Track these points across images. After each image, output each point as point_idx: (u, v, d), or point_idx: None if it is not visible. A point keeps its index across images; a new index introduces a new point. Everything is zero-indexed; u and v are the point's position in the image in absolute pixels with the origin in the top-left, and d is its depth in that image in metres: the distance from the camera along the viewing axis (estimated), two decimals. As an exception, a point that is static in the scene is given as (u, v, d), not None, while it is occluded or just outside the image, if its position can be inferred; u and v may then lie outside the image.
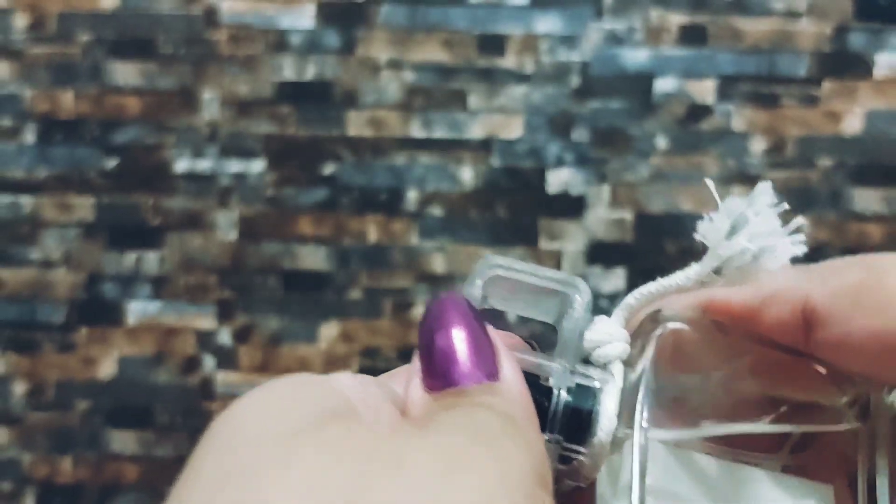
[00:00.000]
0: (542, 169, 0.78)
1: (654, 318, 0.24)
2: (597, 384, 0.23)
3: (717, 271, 0.23)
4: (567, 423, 0.22)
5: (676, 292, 0.24)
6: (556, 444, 0.23)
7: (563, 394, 0.23)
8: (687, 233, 0.77)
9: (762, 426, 0.25)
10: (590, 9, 0.77)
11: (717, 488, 0.24)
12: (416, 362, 0.21)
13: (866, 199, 0.77)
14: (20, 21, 0.78)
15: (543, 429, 0.22)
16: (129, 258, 0.79)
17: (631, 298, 0.24)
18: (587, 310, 0.23)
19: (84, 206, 0.79)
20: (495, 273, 0.23)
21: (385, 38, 0.78)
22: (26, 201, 0.79)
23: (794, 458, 0.25)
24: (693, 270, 0.24)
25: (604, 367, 0.24)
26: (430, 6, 0.78)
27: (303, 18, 0.78)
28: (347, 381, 0.21)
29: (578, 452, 0.23)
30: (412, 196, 0.78)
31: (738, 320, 0.24)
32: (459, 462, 0.17)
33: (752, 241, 0.22)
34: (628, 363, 0.24)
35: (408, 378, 0.21)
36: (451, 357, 0.20)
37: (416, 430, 0.19)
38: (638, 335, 0.24)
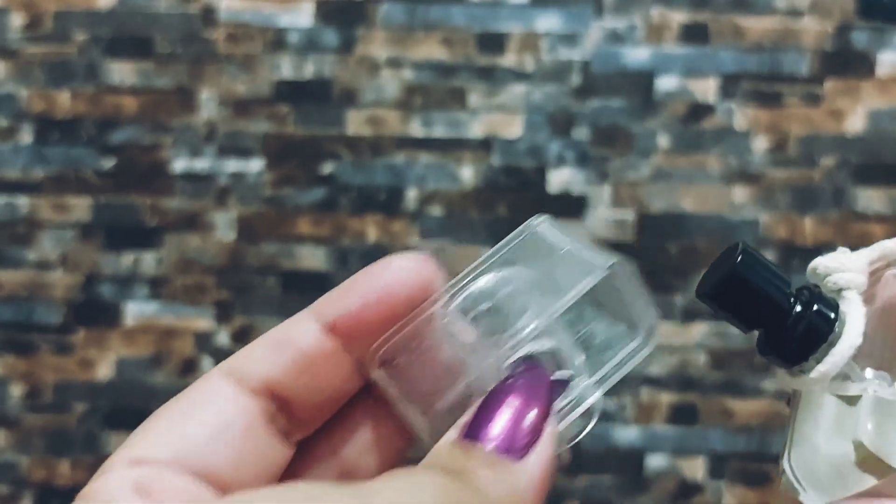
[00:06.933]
0: (543, 168, 0.77)
1: (892, 262, 0.24)
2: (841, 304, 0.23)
3: None
4: (807, 332, 0.23)
5: None
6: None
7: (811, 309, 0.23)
8: (689, 232, 0.76)
9: None
10: (590, 7, 0.77)
11: None
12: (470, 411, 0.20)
13: (869, 199, 0.76)
14: (16, 20, 0.78)
15: (784, 341, 0.22)
16: (127, 259, 0.79)
17: (890, 242, 0.24)
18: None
19: (81, 207, 0.79)
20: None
21: (384, 37, 0.77)
22: (23, 202, 0.79)
23: None
24: None
25: (837, 293, 0.23)
26: (429, 4, 0.77)
27: (301, 16, 0.78)
28: None
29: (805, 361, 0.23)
30: (412, 195, 0.78)
31: None
32: None
33: None
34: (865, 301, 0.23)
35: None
36: (490, 418, 0.20)
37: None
38: (876, 278, 0.24)
